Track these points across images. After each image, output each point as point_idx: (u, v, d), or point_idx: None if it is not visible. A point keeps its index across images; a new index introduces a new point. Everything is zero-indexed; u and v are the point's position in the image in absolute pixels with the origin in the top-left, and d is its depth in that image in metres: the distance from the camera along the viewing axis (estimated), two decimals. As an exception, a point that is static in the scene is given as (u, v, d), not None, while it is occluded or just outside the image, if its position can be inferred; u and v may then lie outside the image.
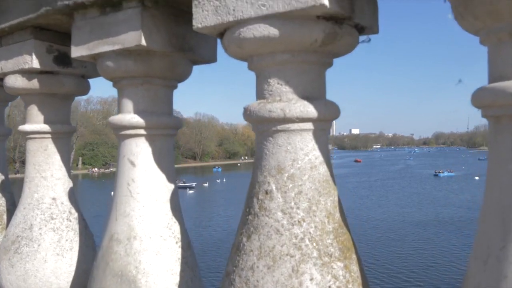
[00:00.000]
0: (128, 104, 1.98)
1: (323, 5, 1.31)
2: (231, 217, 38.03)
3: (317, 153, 1.53)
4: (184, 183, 62.87)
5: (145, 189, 1.95)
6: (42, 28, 2.25)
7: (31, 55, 2.23)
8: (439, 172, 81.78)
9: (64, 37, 2.31)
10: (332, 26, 1.43)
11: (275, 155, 1.53)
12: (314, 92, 1.54)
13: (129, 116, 1.93)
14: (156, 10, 1.84)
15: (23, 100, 2.45)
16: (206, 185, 67.47)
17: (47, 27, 2.25)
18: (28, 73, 2.30)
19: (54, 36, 2.30)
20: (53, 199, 2.40)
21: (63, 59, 2.32)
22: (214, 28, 1.57)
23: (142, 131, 1.95)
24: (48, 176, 2.40)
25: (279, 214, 1.48)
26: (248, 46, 1.51)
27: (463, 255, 27.02)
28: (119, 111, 2.03)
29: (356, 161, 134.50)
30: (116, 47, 1.84)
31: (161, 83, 1.99)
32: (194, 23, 1.59)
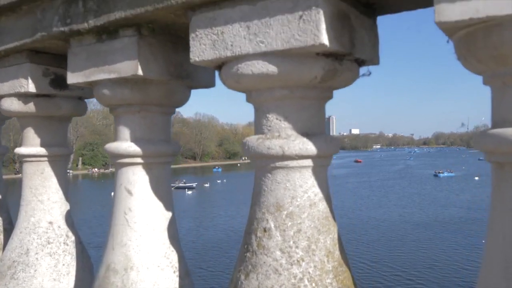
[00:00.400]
0: (125, 132, 1.95)
1: (323, 45, 1.28)
2: (232, 218, 38.03)
3: (316, 189, 1.50)
4: (184, 183, 62.84)
5: (142, 218, 1.92)
6: (38, 51, 2.22)
7: (27, 78, 2.20)
8: (439, 173, 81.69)
9: (60, 59, 2.28)
10: (332, 63, 1.41)
11: (273, 191, 1.50)
12: (313, 127, 1.51)
13: (126, 145, 1.90)
14: (153, 38, 1.81)
15: (19, 122, 2.42)
16: (207, 185, 67.43)
17: (43, 50, 2.23)
18: (24, 97, 2.27)
19: (51, 59, 2.27)
20: (50, 223, 2.37)
21: (60, 82, 2.29)
22: (212, 62, 1.54)
23: (139, 160, 1.92)
24: (45, 200, 2.38)
25: (278, 253, 1.46)
26: (246, 81, 1.48)
27: (463, 255, 27.01)
28: (115, 138, 2.00)
29: (356, 161, 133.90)
30: (113, 75, 1.82)
31: (158, 110, 1.96)
32: (191, 56, 1.56)
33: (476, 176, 71.83)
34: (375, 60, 1.59)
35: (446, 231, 34.01)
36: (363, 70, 1.57)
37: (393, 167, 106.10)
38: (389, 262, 25.64)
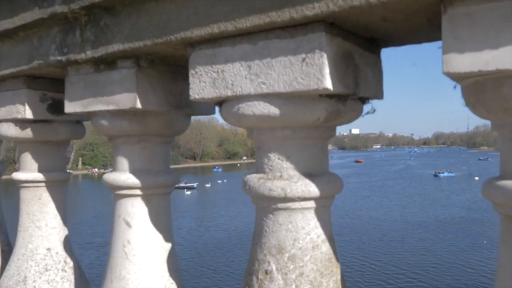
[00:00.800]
0: (124, 163, 1.91)
1: (326, 89, 1.25)
2: (232, 218, 38.05)
3: (319, 231, 1.47)
4: (185, 183, 62.77)
5: (141, 251, 1.89)
6: (35, 76, 2.18)
7: (24, 105, 2.17)
8: (439, 173, 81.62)
9: (58, 84, 2.24)
10: (335, 104, 1.37)
11: (275, 233, 1.46)
12: (316, 167, 1.47)
13: (125, 176, 1.87)
14: (152, 70, 1.77)
15: (17, 146, 2.39)
16: (208, 185, 67.34)
17: (40, 75, 2.19)
18: (21, 122, 2.24)
19: (48, 84, 2.23)
20: (48, 249, 2.34)
21: (57, 107, 2.26)
22: (212, 100, 1.50)
23: (138, 192, 1.88)
24: (43, 226, 2.34)
25: (280, 297, 1.42)
26: (247, 121, 1.44)
27: (464, 255, 27.00)
28: (114, 168, 1.96)
29: (356, 161, 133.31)
30: (111, 107, 1.78)
31: (158, 140, 1.92)
32: (190, 93, 1.52)
33: (476, 176, 71.80)
34: (379, 96, 1.56)
35: (446, 231, 34.01)
36: (367, 107, 1.53)
37: (393, 167, 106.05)
38: (390, 262, 25.64)
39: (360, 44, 1.42)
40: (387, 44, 1.58)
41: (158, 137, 1.91)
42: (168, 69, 1.83)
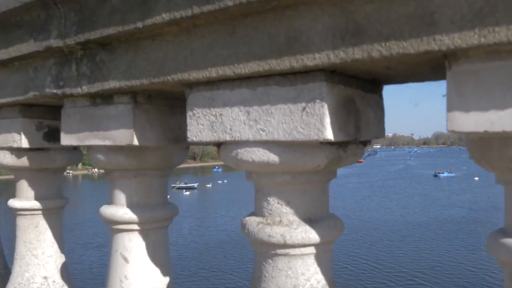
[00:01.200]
0: (121, 197, 1.88)
1: (327, 139, 1.22)
2: (233, 218, 38.04)
3: (319, 276, 1.43)
4: (185, 183, 62.71)
5: (139, 286, 1.85)
6: (31, 104, 2.15)
7: (19, 134, 2.13)
8: (439, 173, 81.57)
9: (54, 111, 2.21)
10: (336, 151, 1.34)
11: (274, 279, 1.43)
12: (316, 211, 1.44)
13: (122, 211, 1.83)
14: (149, 105, 1.74)
15: (13, 173, 2.36)
16: (209, 185, 67.24)
17: (36, 103, 2.16)
18: (17, 151, 2.21)
19: (44, 112, 2.20)
20: (45, 278, 2.30)
21: (54, 135, 2.22)
22: (210, 142, 1.47)
23: (136, 226, 1.85)
24: (39, 254, 2.31)
25: None
26: (245, 166, 1.41)
27: (464, 255, 27.00)
28: (111, 201, 1.93)
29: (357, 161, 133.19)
30: (107, 142, 1.75)
31: (155, 174, 1.89)
32: (188, 135, 1.49)
33: (476, 177, 71.76)
34: (380, 135, 1.53)
35: (447, 231, 33.99)
36: (368, 152, 1.50)
37: (393, 167, 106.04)
38: (391, 262, 25.64)
39: (362, 86, 1.39)
40: (389, 83, 1.55)
41: (155, 170, 1.88)
42: (165, 102, 1.80)
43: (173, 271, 2.03)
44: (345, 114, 1.28)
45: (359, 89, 1.37)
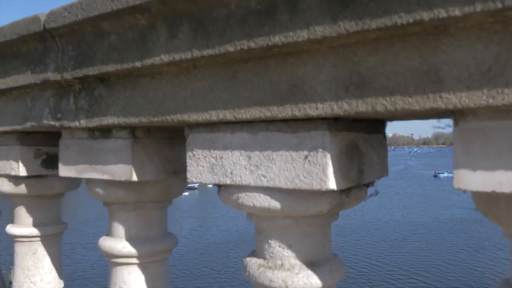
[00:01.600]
0: (120, 229, 1.85)
1: (329, 190, 1.19)
2: (233, 218, 38.02)
3: (322, 321, 1.40)
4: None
5: (138, 320, 1.83)
6: (29, 132, 2.12)
7: (17, 161, 2.11)
8: (439, 173, 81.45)
9: (52, 138, 2.17)
10: (339, 197, 1.31)
11: (276, 324, 1.40)
12: (318, 254, 1.41)
13: (121, 245, 1.81)
14: (148, 139, 1.71)
15: (11, 199, 2.33)
16: (210, 186, 67.05)
17: (34, 131, 2.13)
18: (15, 178, 2.18)
19: (42, 138, 2.17)
20: (43, 305, 2.28)
21: (52, 162, 2.19)
22: (210, 183, 1.44)
23: (135, 260, 1.82)
24: (38, 281, 2.28)
25: None
26: (246, 209, 1.39)
27: (465, 255, 26.98)
28: (109, 233, 1.90)
29: None
30: (106, 176, 1.72)
31: (155, 206, 1.86)
32: (188, 175, 1.46)
33: (477, 177, 71.54)
34: (384, 175, 1.50)
35: (447, 231, 33.97)
36: (370, 192, 1.47)
37: (393, 167, 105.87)
38: (391, 262, 25.61)
39: (365, 129, 1.36)
40: (392, 120, 1.52)
41: (154, 203, 1.85)
42: (164, 135, 1.77)
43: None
44: (348, 161, 1.25)
45: (362, 132, 1.34)
